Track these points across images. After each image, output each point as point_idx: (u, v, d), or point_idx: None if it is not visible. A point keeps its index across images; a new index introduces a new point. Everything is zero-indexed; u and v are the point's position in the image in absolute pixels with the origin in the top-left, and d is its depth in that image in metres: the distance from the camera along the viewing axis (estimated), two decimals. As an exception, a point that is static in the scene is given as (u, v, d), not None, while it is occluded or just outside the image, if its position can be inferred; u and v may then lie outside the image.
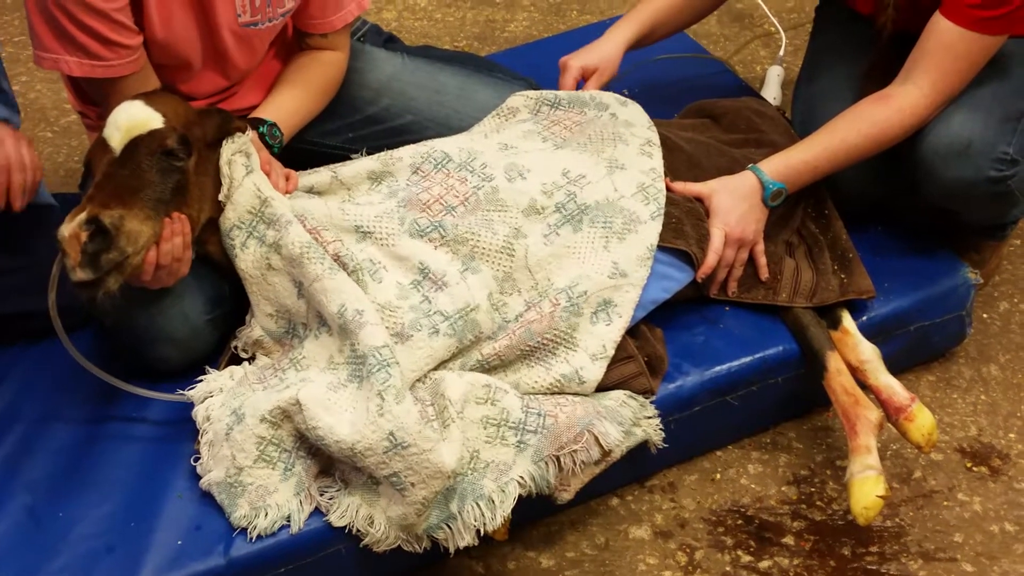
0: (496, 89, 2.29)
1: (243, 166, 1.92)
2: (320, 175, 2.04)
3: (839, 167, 2.11)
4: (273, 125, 2.05)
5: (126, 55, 1.90)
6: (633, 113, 2.22)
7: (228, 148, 1.92)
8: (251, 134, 1.96)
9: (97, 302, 1.71)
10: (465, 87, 2.29)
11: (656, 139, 2.16)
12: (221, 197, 1.91)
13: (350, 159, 2.11)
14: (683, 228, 2.03)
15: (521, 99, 2.24)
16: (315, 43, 2.17)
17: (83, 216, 1.68)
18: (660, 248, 2.01)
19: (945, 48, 2.01)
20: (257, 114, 2.08)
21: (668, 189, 2.08)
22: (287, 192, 1.98)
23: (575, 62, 2.29)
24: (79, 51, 1.87)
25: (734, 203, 2.08)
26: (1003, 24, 1.99)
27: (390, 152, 2.08)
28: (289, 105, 2.11)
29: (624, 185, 2.05)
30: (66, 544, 1.77)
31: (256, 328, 1.95)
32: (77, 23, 1.84)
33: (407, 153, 2.07)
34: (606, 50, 2.29)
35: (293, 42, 2.25)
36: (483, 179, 2.00)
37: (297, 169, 2.04)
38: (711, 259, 2.04)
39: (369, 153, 2.12)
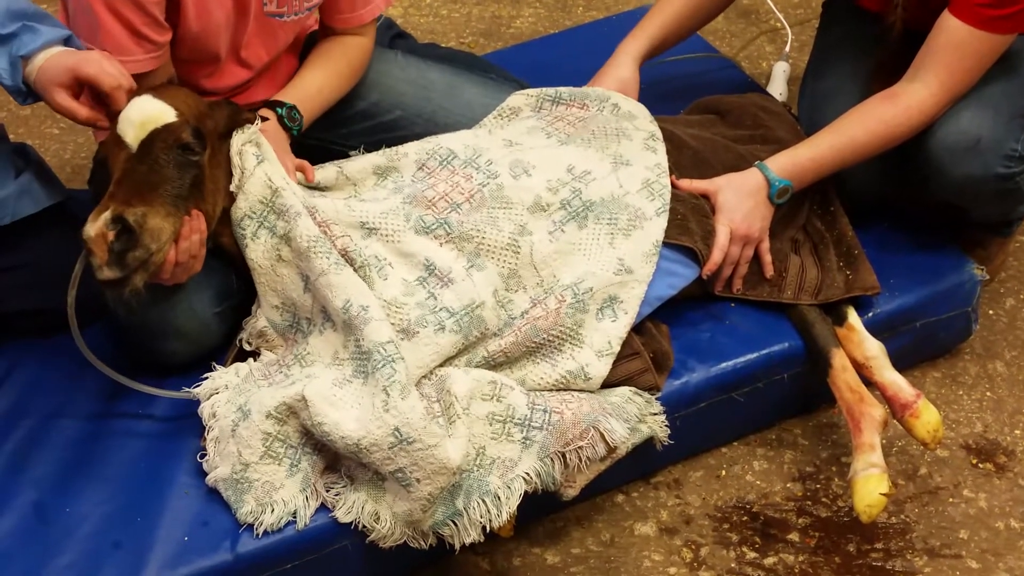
0: (485, 88, 2.30)
1: (254, 156, 1.93)
2: (326, 171, 2.05)
3: (846, 165, 2.11)
4: (292, 108, 2.05)
5: (152, 50, 1.91)
6: (635, 106, 2.22)
7: (238, 139, 1.93)
8: (259, 124, 1.97)
9: (124, 300, 1.73)
10: (453, 84, 2.30)
11: (659, 132, 2.16)
12: (233, 187, 1.92)
13: (347, 156, 2.12)
14: (688, 225, 2.03)
15: (522, 98, 2.24)
16: (342, 32, 2.18)
17: (108, 215, 1.70)
18: (665, 244, 2.01)
19: (954, 47, 2.00)
20: (279, 97, 2.09)
21: (673, 186, 2.09)
22: (308, 181, 2.00)
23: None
24: (108, 42, 1.87)
25: (740, 200, 2.07)
26: (1012, 23, 1.99)
27: (395, 148, 2.09)
28: (311, 88, 2.12)
29: (629, 181, 2.05)
30: (73, 540, 1.77)
31: (261, 319, 1.96)
32: (113, 12, 1.84)
33: (412, 149, 2.08)
34: (621, 72, 2.28)
35: (303, 41, 2.25)
36: (488, 176, 2.00)
37: None
38: (716, 256, 2.04)
39: (366, 151, 2.13)
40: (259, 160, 1.92)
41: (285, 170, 1.97)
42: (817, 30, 2.53)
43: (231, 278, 2.01)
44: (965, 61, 2.02)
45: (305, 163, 2.03)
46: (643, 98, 2.27)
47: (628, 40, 2.33)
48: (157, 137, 1.78)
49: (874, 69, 2.21)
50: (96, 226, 1.69)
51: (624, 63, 2.30)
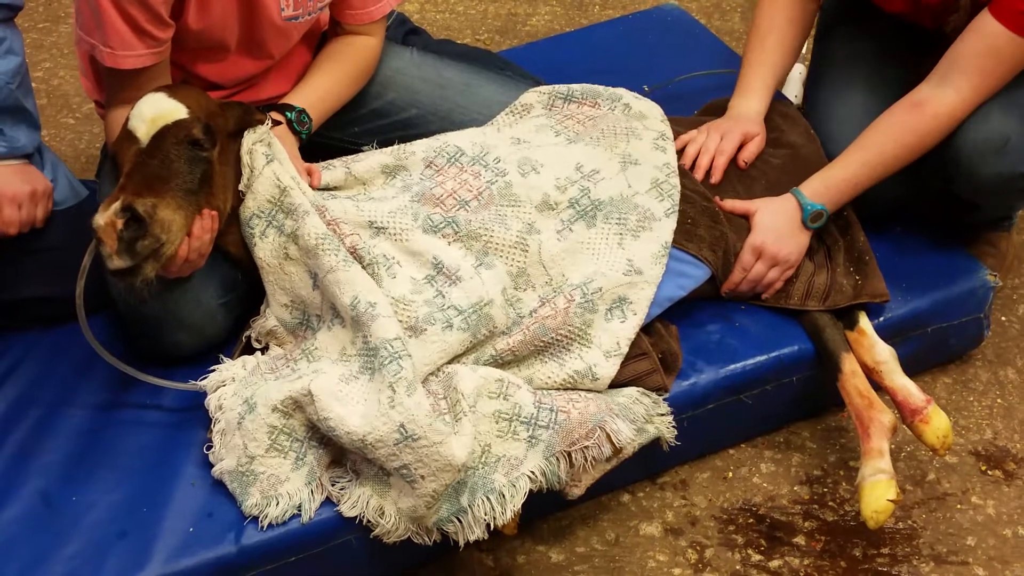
0: (502, 85, 2.30)
1: (263, 155, 1.93)
2: (335, 172, 2.05)
3: (879, 180, 2.08)
4: (302, 111, 2.06)
5: (153, 46, 1.91)
6: (647, 106, 2.22)
7: (249, 138, 1.94)
8: (270, 125, 1.97)
9: (136, 290, 1.74)
10: (470, 82, 2.30)
11: (669, 132, 2.15)
12: (242, 186, 1.92)
13: (360, 152, 2.12)
14: (696, 231, 2.03)
15: (535, 95, 2.24)
16: (351, 30, 2.19)
17: (118, 205, 1.71)
18: (675, 246, 2.00)
19: (991, 51, 1.97)
20: (288, 100, 2.09)
21: (716, 205, 2.08)
22: (312, 187, 2.00)
23: (732, 137, 2.19)
24: (111, 36, 1.88)
25: (775, 221, 2.07)
26: None
27: (403, 146, 2.09)
28: (321, 91, 2.13)
29: (638, 181, 2.05)
30: (79, 529, 1.78)
31: (270, 318, 1.96)
32: (119, 8, 1.85)
33: (420, 147, 2.08)
34: (750, 122, 2.22)
35: (319, 33, 2.25)
36: (496, 174, 2.00)
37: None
38: (736, 276, 2.05)
39: (378, 147, 2.12)
40: (268, 160, 1.93)
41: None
42: (817, 30, 2.47)
43: (235, 268, 2.01)
44: (1001, 66, 1.99)
45: (313, 167, 2.03)
46: (658, 95, 2.26)
47: (750, 93, 2.25)
48: (168, 132, 1.79)
49: (922, 74, 2.14)
50: (106, 215, 1.70)
51: (751, 114, 2.23)
